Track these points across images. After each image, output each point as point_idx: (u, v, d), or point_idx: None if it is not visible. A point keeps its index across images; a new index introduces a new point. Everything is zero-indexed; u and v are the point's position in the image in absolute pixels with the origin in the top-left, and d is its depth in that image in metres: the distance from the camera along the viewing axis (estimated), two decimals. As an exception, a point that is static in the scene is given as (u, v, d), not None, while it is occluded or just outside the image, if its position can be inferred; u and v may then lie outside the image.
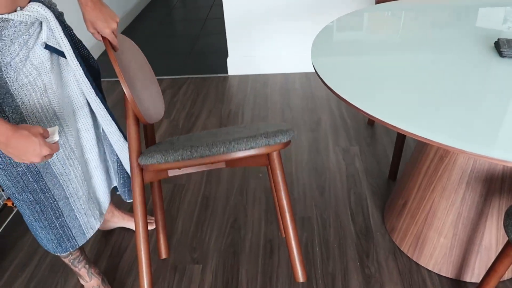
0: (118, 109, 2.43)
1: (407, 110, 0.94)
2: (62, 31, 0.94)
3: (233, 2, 2.50)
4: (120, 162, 1.26)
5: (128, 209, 1.72)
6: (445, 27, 1.36)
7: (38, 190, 1.01)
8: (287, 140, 1.01)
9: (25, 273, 1.48)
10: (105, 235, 1.60)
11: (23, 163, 0.94)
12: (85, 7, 0.97)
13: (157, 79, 2.77)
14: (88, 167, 1.19)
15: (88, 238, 1.19)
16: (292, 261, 1.05)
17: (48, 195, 1.04)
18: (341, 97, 1.01)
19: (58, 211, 1.08)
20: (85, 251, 1.37)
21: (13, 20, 0.84)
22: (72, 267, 1.28)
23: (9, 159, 0.94)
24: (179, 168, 1.04)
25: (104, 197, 1.27)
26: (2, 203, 1.63)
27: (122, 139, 1.17)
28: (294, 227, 1.05)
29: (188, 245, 1.54)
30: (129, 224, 1.59)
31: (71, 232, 1.13)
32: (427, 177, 1.31)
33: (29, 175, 0.98)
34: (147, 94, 1.15)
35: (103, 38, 1.01)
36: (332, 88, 1.04)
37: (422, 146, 1.35)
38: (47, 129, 0.84)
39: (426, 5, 1.57)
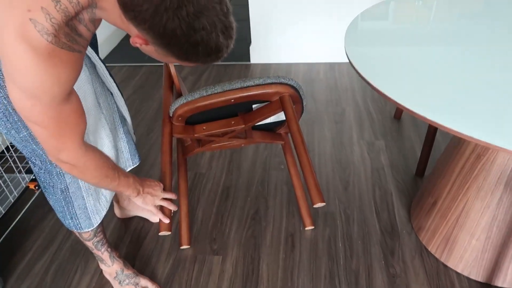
0: (139, 94, 2.41)
1: (444, 103, 0.88)
2: None
3: (259, -12, 2.43)
4: (126, 134, 1.27)
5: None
6: (480, 19, 1.27)
7: (44, 156, 1.00)
8: (293, 84, 1.20)
9: (46, 255, 1.48)
10: (125, 223, 1.59)
11: (25, 129, 0.94)
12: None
13: (178, 65, 2.74)
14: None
15: (95, 225, 1.17)
16: (309, 184, 1.08)
17: (55, 164, 1.00)
18: (377, 89, 0.95)
19: (64, 184, 1.06)
20: (106, 236, 1.36)
21: None
22: (95, 250, 1.27)
23: (10, 124, 0.92)
24: (205, 107, 1.19)
25: None
26: (24, 186, 1.63)
27: (123, 100, 1.24)
28: (306, 153, 1.11)
29: (208, 235, 1.52)
30: (145, 213, 1.57)
31: (75, 212, 1.12)
32: (461, 175, 1.24)
33: (31, 142, 0.96)
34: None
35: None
36: (367, 79, 0.99)
37: (457, 142, 1.28)
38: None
39: (466, -6, 1.48)
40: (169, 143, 1.24)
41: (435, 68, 1.02)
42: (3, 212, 1.52)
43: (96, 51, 1.14)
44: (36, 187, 1.67)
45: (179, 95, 1.36)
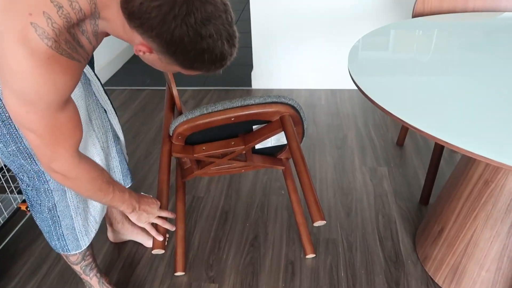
0: (139, 117, 2.39)
1: (455, 125, 0.85)
2: None
3: (261, 17, 2.46)
4: (119, 153, 1.23)
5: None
6: (481, 48, 1.27)
7: (32, 172, 0.96)
8: (294, 104, 1.19)
9: (34, 280, 1.41)
10: (118, 248, 1.53)
11: (13, 143, 0.91)
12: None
13: (180, 89, 2.73)
14: None
15: (82, 247, 1.12)
16: (308, 201, 1.03)
17: (43, 180, 0.98)
18: (381, 107, 0.92)
19: (51, 202, 1.01)
20: (97, 260, 1.29)
21: None
22: (84, 275, 1.21)
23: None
24: (205, 125, 1.17)
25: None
26: (16, 206, 1.58)
27: (117, 118, 1.21)
28: (306, 170, 1.08)
29: (205, 261, 1.45)
30: (139, 237, 1.51)
31: (62, 232, 1.07)
32: (468, 202, 1.20)
33: (19, 156, 0.93)
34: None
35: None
36: (376, 101, 0.96)
37: (464, 168, 1.24)
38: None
39: (459, 22, 1.48)
40: (167, 162, 1.21)
41: (448, 95, 1.00)
42: (-8, 233, 1.46)
43: (92, 68, 1.13)
44: (28, 208, 1.61)
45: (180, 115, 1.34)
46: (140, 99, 2.63)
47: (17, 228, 1.63)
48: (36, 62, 0.66)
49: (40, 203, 1.01)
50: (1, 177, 1.62)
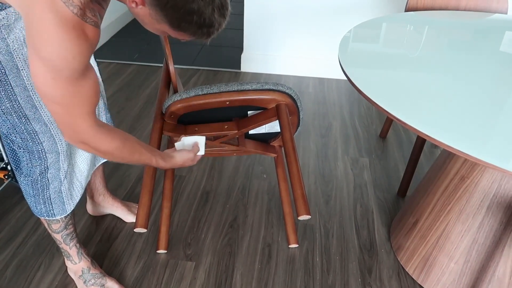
0: (124, 92, 2.36)
1: (435, 117, 0.87)
2: None
3: (255, 0, 2.43)
4: (109, 122, 1.26)
5: (121, 198, 1.65)
6: (469, 47, 1.29)
7: (26, 133, 0.95)
8: (291, 93, 1.17)
9: (9, 249, 1.40)
10: (96, 221, 1.53)
11: (8, 101, 0.91)
12: None
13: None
14: None
15: (68, 211, 1.12)
16: (296, 194, 1.04)
17: (37, 141, 0.97)
18: (368, 98, 0.94)
19: (44, 165, 1.01)
20: (77, 230, 1.29)
21: (11, 6, 0.83)
22: (63, 244, 1.20)
23: None
24: (199, 106, 1.15)
25: (87, 167, 1.19)
26: (-7, 174, 1.55)
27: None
28: (297, 163, 1.08)
29: (183, 240, 1.46)
30: (118, 212, 1.51)
31: (50, 196, 1.07)
32: (444, 197, 1.23)
33: (14, 115, 0.92)
34: None
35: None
36: (363, 91, 0.97)
37: (442, 163, 1.27)
38: (197, 141, 1.12)
39: (450, 20, 1.50)
40: (158, 139, 1.20)
41: (433, 91, 1.02)
42: (-33, 199, 1.43)
43: None
44: (6, 177, 1.58)
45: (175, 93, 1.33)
46: (126, 74, 2.58)
47: (-7, 196, 1.60)
48: (63, 28, 0.69)
49: (32, 166, 1.00)
50: (-21, 143, 1.58)
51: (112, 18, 3.12)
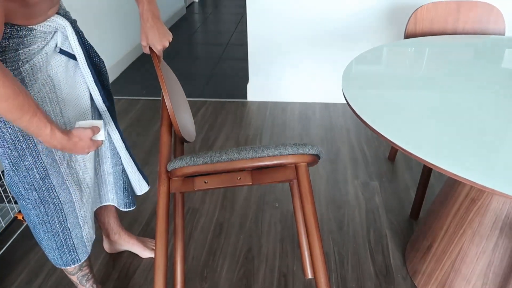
0: (135, 127, 2.42)
1: (439, 145, 0.90)
2: (76, 38, 0.99)
3: (257, 30, 2.51)
4: (120, 171, 1.25)
5: (136, 234, 1.68)
6: (473, 65, 1.32)
7: (43, 188, 0.99)
8: (315, 152, 1.04)
9: (29, 291, 1.42)
10: (113, 258, 1.55)
11: (31, 157, 0.95)
12: (145, 22, 1.05)
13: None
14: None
15: (89, 252, 1.16)
16: (317, 276, 0.98)
17: (54, 195, 1.01)
18: (372, 127, 0.97)
19: (62, 215, 1.05)
20: (93, 270, 1.31)
21: (36, 30, 0.90)
22: (80, 286, 1.23)
23: (17, 152, 0.93)
24: (207, 175, 1.05)
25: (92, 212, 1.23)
26: (12, 216, 1.60)
27: (124, 149, 1.20)
28: (321, 245, 0.99)
29: (199, 273, 1.47)
30: (134, 248, 1.53)
31: (73, 243, 1.10)
32: (456, 219, 1.24)
33: (35, 171, 0.97)
34: (182, 116, 1.18)
35: (152, 53, 1.08)
36: (364, 119, 1.01)
37: (452, 185, 1.29)
38: (96, 125, 0.98)
39: (451, 42, 1.54)
40: (166, 206, 1.08)
41: (435, 112, 1.05)
42: (-12, 243, 1.47)
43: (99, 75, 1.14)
44: (24, 218, 1.63)
45: (178, 140, 1.25)
46: (135, 109, 2.66)
47: (13, 238, 1.64)
48: None
49: (49, 220, 1.04)
50: (-1, 187, 1.64)
51: (120, 56, 3.23)
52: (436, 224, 1.32)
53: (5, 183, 1.65)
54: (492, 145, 0.91)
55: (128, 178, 1.28)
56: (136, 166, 1.26)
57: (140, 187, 1.30)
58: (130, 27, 3.38)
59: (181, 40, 3.97)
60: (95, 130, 0.96)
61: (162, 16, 4.10)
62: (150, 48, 1.09)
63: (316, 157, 1.09)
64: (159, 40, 1.06)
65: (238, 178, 1.15)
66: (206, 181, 1.14)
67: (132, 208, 1.33)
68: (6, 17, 0.82)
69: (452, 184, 1.29)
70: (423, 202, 1.69)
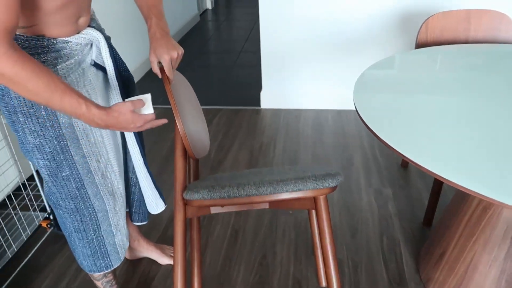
0: (150, 136, 2.49)
1: (449, 156, 0.92)
2: (108, 50, 1.04)
3: (270, 37, 2.56)
4: (134, 183, 1.28)
5: (154, 241, 1.73)
6: (485, 74, 1.34)
7: (79, 197, 1.05)
8: (335, 184, 1.00)
9: (54, 295, 1.49)
10: (133, 264, 1.61)
11: (68, 169, 1.00)
12: (153, 36, 1.04)
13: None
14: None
15: (122, 259, 1.21)
16: None
17: (88, 204, 1.07)
18: (381, 139, 1.00)
19: (96, 223, 1.11)
20: (117, 276, 1.37)
21: (71, 42, 0.94)
22: None
23: (56, 164, 0.98)
24: (223, 206, 1.04)
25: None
26: (37, 224, 1.67)
27: (142, 164, 1.18)
28: (338, 278, 1.00)
29: (216, 280, 1.52)
30: (153, 255, 1.58)
31: (107, 250, 1.16)
32: (468, 227, 1.26)
33: (72, 182, 1.02)
34: (196, 129, 1.18)
35: (163, 73, 1.06)
36: (373, 129, 1.04)
37: (463, 194, 1.31)
38: (140, 99, 0.95)
39: (463, 49, 1.56)
40: (183, 233, 1.06)
41: (443, 121, 1.07)
42: (16, 249, 1.55)
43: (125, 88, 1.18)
44: (48, 225, 1.70)
45: (193, 165, 1.25)
46: (153, 117, 2.72)
47: (38, 244, 1.71)
48: None
49: (85, 228, 1.10)
50: (25, 196, 1.71)
51: (137, 64, 3.32)
52: (449, 232, 1.34)
53: (42, 193, 1.73)
54: (504, 157, 0.93)
55: (141, 194, 1.32)
56: (154, 183, 1.25)
57: (156, 205, 1.29)
58: (146, 37, 3.46)
59: (195, 47, 4.05)
60: (137, 103, 0.92)
61: (176, 25, 4.19)
62: (161, 69, 1.05)
63: (335, 187, 1.06)
64: (167, 52, 1.02)
65: (256, 203, 1.11)
66: (223, 206, 1.11)
67: (143, 223, 1.38)
68: (38, 31, 0.87)
69: (464, 193, 1.31)
70: (436, 209, 1.71)
